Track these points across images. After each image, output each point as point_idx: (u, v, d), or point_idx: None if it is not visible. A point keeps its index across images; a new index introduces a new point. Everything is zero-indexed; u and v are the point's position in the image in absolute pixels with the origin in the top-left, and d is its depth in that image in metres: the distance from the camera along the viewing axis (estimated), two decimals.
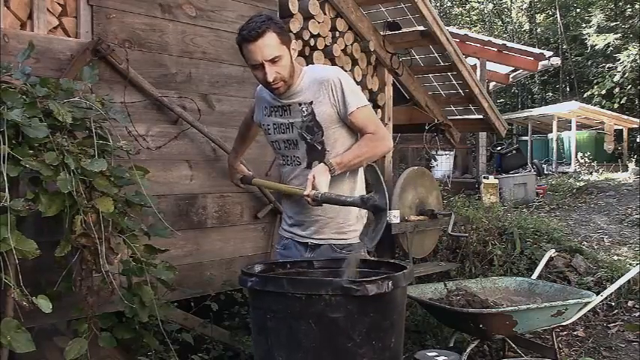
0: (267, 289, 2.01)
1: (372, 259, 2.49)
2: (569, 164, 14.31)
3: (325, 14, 4.33)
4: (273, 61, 2.25)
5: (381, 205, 2.16)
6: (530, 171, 10.68)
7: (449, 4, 25.28)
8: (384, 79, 5.03)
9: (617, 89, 17.85)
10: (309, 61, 4.19)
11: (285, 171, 2.55)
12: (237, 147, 2.87)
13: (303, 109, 2.37)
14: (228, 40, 3.42)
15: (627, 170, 12.67)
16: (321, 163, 2.29)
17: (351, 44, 4.57)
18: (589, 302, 3.47)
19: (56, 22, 2.81)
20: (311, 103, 2.35)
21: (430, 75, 5.64)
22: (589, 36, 18.85)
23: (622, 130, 16.62)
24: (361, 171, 2.50)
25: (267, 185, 2.91)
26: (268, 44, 2.23)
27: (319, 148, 2.39)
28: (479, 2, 24.76)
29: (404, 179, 4.97)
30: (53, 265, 2.26)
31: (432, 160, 8.97)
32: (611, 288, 3.62)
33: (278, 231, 2.72)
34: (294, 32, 4.04)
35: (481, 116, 5.94)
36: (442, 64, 5.34)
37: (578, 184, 10.56)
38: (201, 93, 3.28)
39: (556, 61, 11.79)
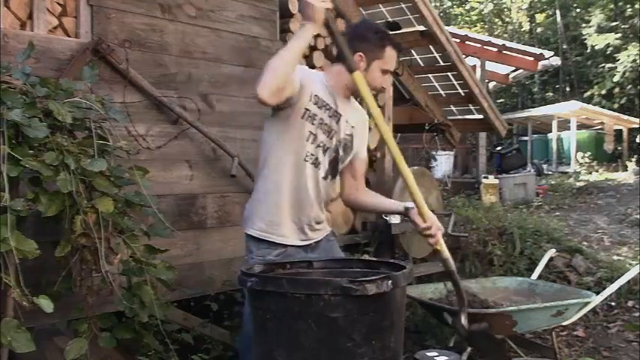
0: (266, 289, 2.01)
1: (372, 259, 2.49)
2: (569, 164, 14.30)
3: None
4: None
5: None
6: (530, 171, 10.68)
7: (449, 4, 25.28)
8: None
9: (617, 89, 17.84)
10: (309, 61, 4.19)
11: (305, 167, 2.38)
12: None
13: (348, 129, 2.48)
14: (228, 40, 3.42)
15: (627, 170, 12.67)
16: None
17: None
18: (589, 302, 3.47)
19: (56, 22, 2.82)
20: (354, 127, 2.50)
21: (430, 75, 5.65)
22: (589, 36, 18.84)
23: (622, 130, 16.62)
24: None
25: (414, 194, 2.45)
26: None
27: (339, 168, 2.51)
28: (479, 2, 24.75)
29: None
30: (53, 265, 2.26)
31: (432, 160, 8.98)
32: (611, 288, 3.61)
33: (262, 237, 2.43)
34: (294, 32, 4.04)
35: (481, 116, 5.95)
36: (442, 64, 5.35)
37: (578, 184, 10.56)
38: (201, 93, 3.28)
39: (556, 61, 11.78)
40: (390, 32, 4.93)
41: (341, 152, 2.47)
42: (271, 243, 2.42)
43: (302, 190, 2.40)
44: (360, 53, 2.36)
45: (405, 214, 2.53)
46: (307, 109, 2.34)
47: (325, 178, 2.46)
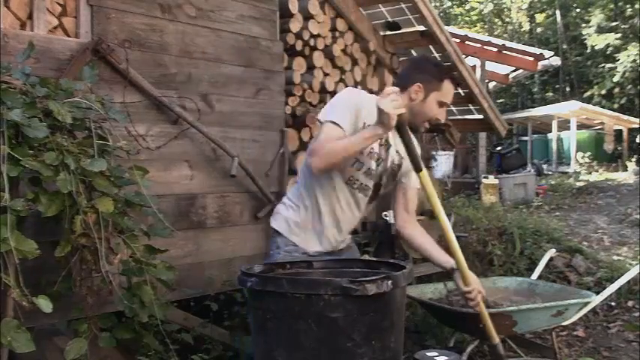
0: (266, 289, 2.01)
1: (372, 259, 2.50)
2: (569, 164, 14.30)
3: (325, 14, 4.33)
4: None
5: None
6: (530, 171, 10.69)
7: (449, 4, 25.27)
8: (384, 79, 5.02)
9: (617, 89, 17.84)
10: (309, 61, 4.19)
11: (352, 193, 2.48)
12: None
13: (396, 158, 2.52)
14: (228, 40, 3.42)
15: (627, 170, 12.67)
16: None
17: (351, 44, 4.58)
18: (589, 302, 3.47)
19: (56, 22, 2.82)
20: (403, 158, 2.52)
21: None
22: (589, 36, 18.84)
23: (622, 130, 16.62)
24: None
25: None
26: None
27: (380, 192, 2.56)
28: (479, 2, 24.75)
29: None
30: (53, 265, 2.26)
31: (432, 160, 8.97)
32: (611, 288, 3.61)
33: (289, 237, 2.52)
34: (294, 32, 4.04)
35: (481, 116, 5.94)
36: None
37: (578, 184, 10.56)
38: (201, 93, 3.28)
39: (556, 61, 11.78)
40: (390, 32, 4.95)
41: (384, 179, 2.54)
42: (297, 245, 2.52)
43: (342, 211, 2.50)
44: (419, 84, 2.41)
45: (449, 272, 2.60)
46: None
47: (369, 202, 2.57)
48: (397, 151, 2.51)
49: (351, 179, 2.46)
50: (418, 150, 2.38)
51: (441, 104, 2.42)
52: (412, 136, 2.34)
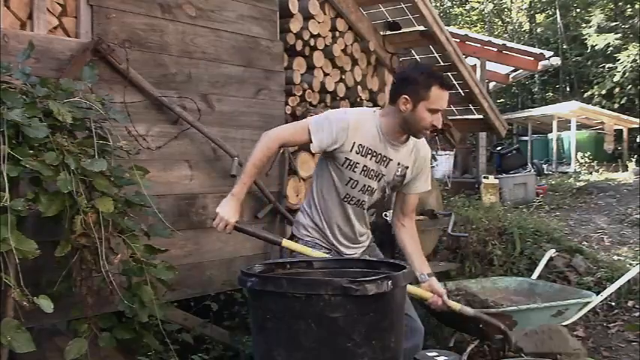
0: (266, 289, 2.01)
1: (372, 259, 2.50)
2: (569, 164, 14.29)
3: (325, 14, 4.33)
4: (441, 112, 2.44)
5: None
6: (530, 171, 10.66)
7: (449, 4, 25.27)
8: (384, 79, 5.02)
9: (617, 89, 17.82)
10: (309, 61, 4.19)
11: (345, 208, 2.56)
12: (250, 181, 2.49)
13: (399, 170, 2.55)
14: (228, 40, 3.42)
15: (627, 170, 12.65)
16: (435, 279, 2.61)
17: (351, 44, 4.57)
18: (589, 302, 3.47)
19: (56, 22, 2.82)
20: (407, 167, 2.57)
21: None
22: (589, 36, 18.82)
23: (622, 130, 16.60)
24: None
25: None
26: (448, 98, 2.44)
27: (385, 198, 2.63)
28: (479, 2, 24.74)
29: None
30: (53, 265, 2.26)
31: (432, 160, 8.97)
32: (611, 288, 3.61)
33: (306, 239, 2.62)
34: (294, 32, 4.04)
35: (481, 116, 5.94)
36: (442, 64, 5.34)
37: (578, 184, 10.54)
38: (201, 93, 3.28)
39: (556, 61, 11.75)
40: (390, 32, 4.95)
41: (388, 191, 2.59)
42: (316, 244, 2.60)
43: (347, 223, 2.59)
44: (405, 96, 2.40)
45: (420, 280, 2.65)
46: (348, 159, 2.47)
47: (368, 209, 2.63)
48: (399, 163, 2.53)
49: (347, 196, 2.55)
50: None
51: (432, 111, 2.39)
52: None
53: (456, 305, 2.60)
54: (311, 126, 2.43)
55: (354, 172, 2.48)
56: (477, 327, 3.27)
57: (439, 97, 2.38)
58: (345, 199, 2.54)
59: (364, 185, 2.51)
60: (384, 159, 2.50)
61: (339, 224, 2.58)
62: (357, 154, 2.45)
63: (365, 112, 2.59)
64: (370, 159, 2.47)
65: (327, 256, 2.49)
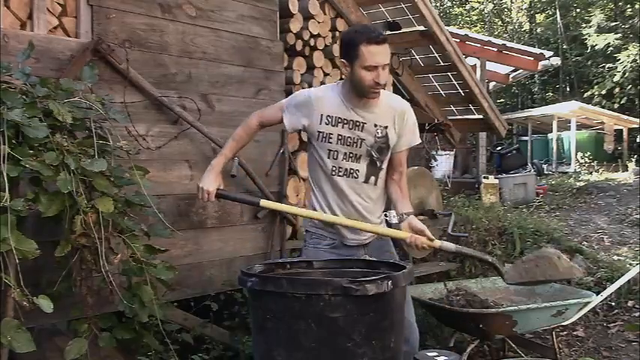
0: (266, 289, 2.01)
1: (372, 259, 2.50)
2: (569, 164, 14.28)
3: (325, 14, 4.33)
4: (384, 67, 2.41)
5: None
6: (530, 171, 10.65)
7: (449, 4, 25.27)
8: None
9: (617, 89, 17.81)
10: (309, 61, 4.19)
11: (336, 182, 2.56)
12: (230, 153, 2.71)
13: (378, 130, 2.53)
14: (228, 40, 3.42)
15: (627, 170, 12.64)
16: (414, 216, 2.53)
17: None
18: (589, 302, 3.47)
19: (56, 22, 2.82)
20: (386, 127, 2.55)
21: (430, 75, 5.65)
22: (589, 36, 18.82)
23: (622, 130, 16.60)
24: None
25: (339, 222, 2.57)
26: (387, 52, 2.42)
27: (378, 165, 2.58)
28: (479, 2, 24.74)
29: None
30: (53, 265, 2.26)
31: (432, 160, 8.97)
32: (611, 288, 3.61)
33: (314, 230, 2.64)
34: (294, 32, 4.04)
35: (481, 116, 5.95)
36: (442, 64, 5.35)
37: (578, 184, 10.53)
38: (201, 93, 3.28)
39: (556, 61, 11.77)
40: (390, 32, 4.95)
41: (375, 154, 2.56)
42: (321, 235, 2.63)
43: (343, 199, 2.57)
44: (342, 60, 2.47)
45: (398, 221, 2.61)
46: (320, 132, 2.53)
47: (366, 181, 2.58)
48: (375, 125, 2.52)
49: (334, 169, 2.55)
50: None
51: (369, 68, 2.37)
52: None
53: (436, 242, 2.48)
54: (284, 107, 2.60)
55: (330, 142, 2.52)
56: (477, 327, 3.28)
57: (370, 53, 2.36)
58: (333, 173, 2.55)
59: (345, 153, 2.53)
60: (357, 124, 2.51)
61: (337, 203, 2.57)
62: (327, 124, 2.51)
63: (328, 85, 2.72)
64: (342, 127, 2.51)
65: (308, 212, 2.60)
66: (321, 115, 2.51)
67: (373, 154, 2.54)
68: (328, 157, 2.55)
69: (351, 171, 2.56)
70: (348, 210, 2.58)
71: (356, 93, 2.47)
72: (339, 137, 2.51)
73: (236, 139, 2.69)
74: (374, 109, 2.52)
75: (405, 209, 2.58)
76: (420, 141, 2.68)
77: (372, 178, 2.59)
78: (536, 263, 2.69)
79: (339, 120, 2.51)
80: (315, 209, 2.63)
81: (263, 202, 2.62)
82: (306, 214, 2.68)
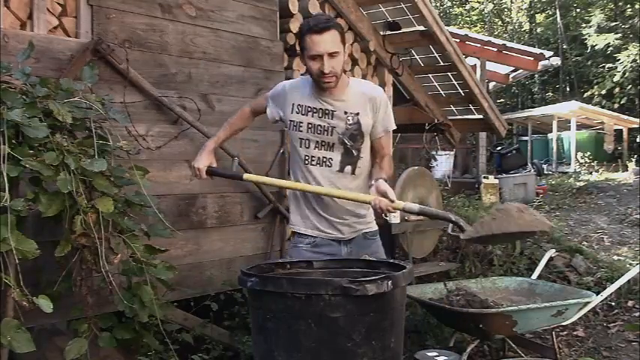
0: (266, 289, 2.01)
1: (372, 259, 2.50)
2: (569, 164, 14.29)
3: (325, 14, 4.33)
4: (332, 55, 2.40)
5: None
6: (530, 171, 10.66)
7: (449, 4, 25.27)
8: (384, 79, 5.03)
9: (617, 89, 17.82)
10: None
11: (309, 170, 2.56)
12: (223, 136, 2.79)
13: (349, 117, 2.53)
14: (228, 40, 3.42)
15: (627, 170, 12.65)
16: (383, 180, 2.43)
17: (351, 44, 4.58)
18: (589, 302, 3.47)
19: (56, 22, 2.82)
20: (357, 114, 2.53)
21: (430, 75, 5.64)
22: (589, 36, 18.83)
23: (622, 130, 16.61)
24: None
25: (299, 187, 2.60)
26: (332, 39, 2.40)
27: (355, 153, 2.56)
28: (479, 2, 24.75)
29: (404, 179, 4.97)
30: (53, 265, 2.26)
31: (432, 160, 8.98)
32: (611, 288, 3.61)
33: (295, 230, 2.65)
34: (294, 32, 4.04)
35: (481, 116, 5.94)
36: (442, 64, 5.34)
37: (578, 184, 10.54)
38: (201, 93, 3.28)
39: (556, 61, 11.76)
40: (390, 32, 4.95)
41: (349, 142, 2.54)
42: (302, 234, 2.63)
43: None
44: (299, 52, 2.54)
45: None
46: (292, 121, 2.57)
47: (341, 170, 2.56)
48: (345, 112, 2.52)
49: (307, 157, 2.56)
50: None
51: (313, 57, 2.40)
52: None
53: (399, 204, 2.39)
54: (268, 97, 2.69)
55: (301, 131, 2.55)
56: (477, 327, 3.28)
57: (313, 42, 2.38)
58: (307, 162, 2.56)
59: (317, 142, 2.54)
60: (327, 112, 2.52)
61: (311, 194, 2.58)
62: (298, 113, 2.55)
63: (302, 77, 2.74)
64: (312, 116, 2.53)
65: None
66: (293, 104, 2.56)
67: (346, 141, 2.53)
68: (300, 146, 2.57)
69: (324, 159, 2.56)
70: (326, 200, 2.57)
71: (318, 85, 2.50)
72: (309, 125, 2.54)
73: (230, 123, 2.80)
74: (343, 97, 2.52)
75: (377, 176, 2.50)
76: (394, 127, 2.64)
77: (348, 168, 2.56)
78: (494, 216, 2.49)
79: (309, 109, 2.54)
80: (293, 200, 2.66)
81: (246, 176, 2.73)
82: (286, 185, 2.72)
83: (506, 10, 25.37)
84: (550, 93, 22.51)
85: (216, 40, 3.36)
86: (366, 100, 2.54)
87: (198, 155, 2.68)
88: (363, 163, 2.59)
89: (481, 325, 3.25)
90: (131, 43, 2.96)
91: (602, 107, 17.19)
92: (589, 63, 20.32)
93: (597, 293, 3.60)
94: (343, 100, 2.52)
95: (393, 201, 2.36)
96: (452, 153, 10.58)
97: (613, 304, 4.69)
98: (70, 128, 2.28)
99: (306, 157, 2.56)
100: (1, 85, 2.15)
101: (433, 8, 4.78)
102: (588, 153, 13.56)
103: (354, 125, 2.53)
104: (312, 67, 2.42)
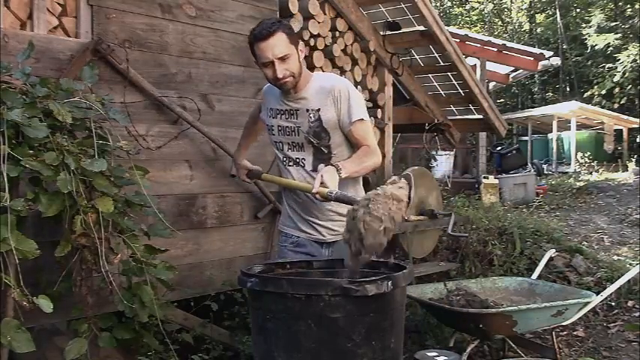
0: (266, 289, 2.01)
1: (372, 259, 2.49)
2: (569, 164, 14.29)
3: (325, 14, 4.33)
4: (282, 59, 2.38)
5: None
6: (530, 171, 10.66)
7: (449, 4, 25.27)
8: (384, 79, 5.03)
9: (617, 89, 17.83)
10: (309, 61, 4.19)
11: (288, 171, 2.60)
12: (243, 142, 2.93)
13: (311, 115, 2.50)
14: (228, 40, 3.42)
15: (627, 170, 12.65)
16: (329, 165, 2.36)
17: (351, 44, 4.58)
18: (589, 302, 3.47)
19: (56, 22, 2.82)
20: (318, 110, 2.49)
21: (430, 75, 5.64)
22: (589, 36, 18.84)
23: (622, 130, 16.61)
24: (360, 179, 2.66)
25: (277, 181, 2.74)
26: (278, 43, 2.37)
27: (325, 151, 2.52)
28: (479, 2, 24.76)
29: None
30: (53, 265, 2.26)
31: (432, 160, 8.98)
32: (611, 288, 3.61)
33: (280, 229, 2.74)
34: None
35: (481, 116, 5.95)
36: (442, 64, 5.34)
37: (578, 184, 10.54)
38: (201, 93, 3.28)
39: (556, 61, 11.77)
40: (390, 32, 4.95)
41: (314, 140, 2.50)
42: (286, 234, 2.67)
43: (296, 193, 2.59)
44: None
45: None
46: (267, 125, 2.64)
47: (314, 169, 2.48)
48: (307, 110, 2.49)
49: (285, 159, 2.60)
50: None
51: (265, 65, 2.41)
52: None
53: (323, 190, 2.24)
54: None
55: (274, 134, 2.60)
56: (477, 327, 3.28)
57: (260, 50, 2.39)
58: (284, 163, 2.61)
59: (289, 143, 2.57)
60: (290, 112, 2.53)
61: (290, 194, 2.62)
62: (270, 117, 2.61)
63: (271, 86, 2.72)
64: (280, 118, 2.56)
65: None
66: (268, 108, 2.62)
67: (311, 139, 2.50)
68: (277, 149, 2.63)
69: (298, 160, 2.57)
70: (303, 200, 2.56)
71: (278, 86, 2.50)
72: (279, 128, 2.57)
73: (246, 127, 2.93)
74: (304, 95, 2.49)
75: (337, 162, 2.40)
76: (368, 117, 2.54)
77: (322, 166, 2.40)
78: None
79: (278, 111, 2.57)
80: (283, 200, 2.71)
81: (264, 176, 2.86)
82: (296, 185, 2.57)
83: (506, 10, 25.38)
84: (550, 93, 22.51)
85: (216, 40, 3.36)
86: (327, 94, 2.46)
87: (233, 169, 2.97)
88: (338, 160, 2.46)
89: (481, 325, 3.26)
90: (131, 43, 2.96)
91: (602, 107, 17.20)
92: (589, 63, 20.32)
93: (597, 293, 3.60)
94: (305, 98, 2.49)
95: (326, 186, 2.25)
96: (452, 153, 10.58)
97: (613, 304, 4.69)
98: (70, 128, 2.28)
99: (284, 159, 2.61)
100: (1, 85, 2.15)
101: (433, 8, 4.78)
102: (588, 153, 13.56)
103: (316, 122, 2.48)
104: (266, 74, 2.43)
